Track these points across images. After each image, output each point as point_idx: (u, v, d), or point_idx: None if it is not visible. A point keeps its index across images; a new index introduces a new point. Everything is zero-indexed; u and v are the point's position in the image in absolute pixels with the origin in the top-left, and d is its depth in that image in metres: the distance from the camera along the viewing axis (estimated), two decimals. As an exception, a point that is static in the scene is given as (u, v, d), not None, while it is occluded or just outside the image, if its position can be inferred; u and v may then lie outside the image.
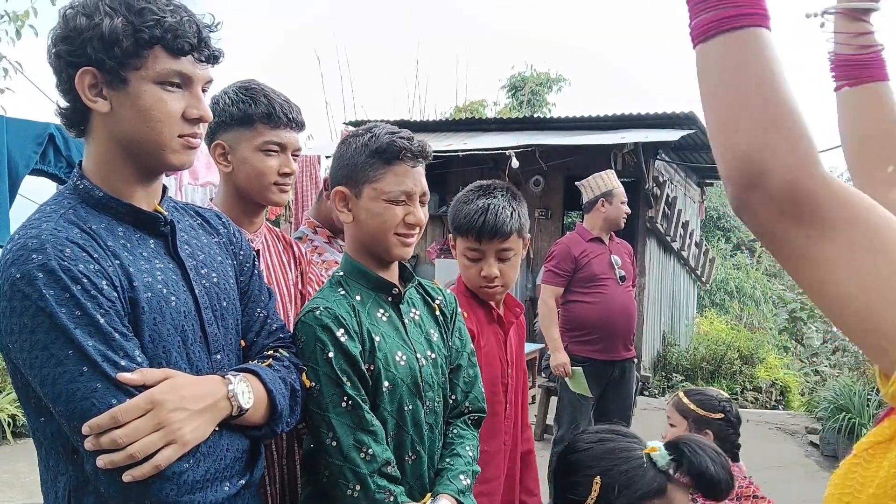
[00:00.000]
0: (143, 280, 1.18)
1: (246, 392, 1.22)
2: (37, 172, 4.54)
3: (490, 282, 1.98)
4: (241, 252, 1.46)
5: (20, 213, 4.37)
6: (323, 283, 2.06)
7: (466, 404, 1.70)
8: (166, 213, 1.29)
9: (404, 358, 1.54)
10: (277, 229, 2.00)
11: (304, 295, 1.96)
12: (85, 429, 1.05)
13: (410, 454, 1.54)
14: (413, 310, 1.65)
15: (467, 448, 1.64)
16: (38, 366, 1.06)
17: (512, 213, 1.97)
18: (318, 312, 1.46)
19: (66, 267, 1.08)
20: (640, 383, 6.54)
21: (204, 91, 1.26)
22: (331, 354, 1.43)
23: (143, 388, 1.09)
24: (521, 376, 2.14)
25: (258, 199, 1.78)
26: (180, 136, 1.22)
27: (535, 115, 10.70)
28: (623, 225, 4.40)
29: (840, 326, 0.70)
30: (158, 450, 1.07)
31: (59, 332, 1.06)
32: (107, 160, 1.22)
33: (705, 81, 0.76)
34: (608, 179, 4.38)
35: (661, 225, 8.94)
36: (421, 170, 1.59)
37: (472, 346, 1.77)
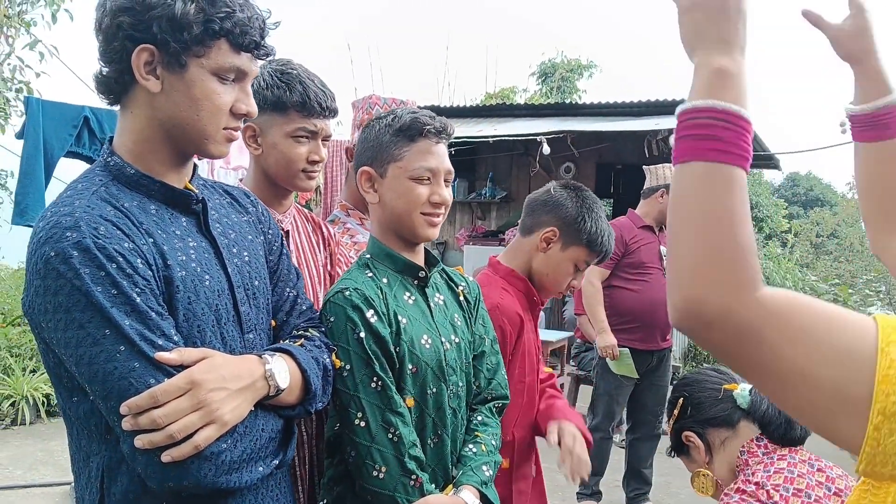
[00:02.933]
0: (178, 258, 1.17)
1: (283, 372, 1.21)
2: (71, 155, 4.61)
3: (569, 291, 2.08)
4: (270, 231, 1.45)
5: (56, 196, 4.42)
6: (351, 264, 2.06)
7: (490, 390, 1.70)
8: (197, 192, 1.27)
9: (430, 341, 1.53)
10: (307, 210, 1.99)
11: (333, 276, 1.95)
12: (123, 409, 1.04)
13: (433, 437, 1.53)
14: (438, 294, 1.65)
15: (490, 436, 1.64)
16: (74, 345, 1.05)
17: None
18: (347, 293, 1.46)
19: (101, 245, 1.06)
20: (671, 373, 6.44)
21: None
22: (362, 334, 1.43)
23: (180, 367, 1.08)
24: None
25: (285, 184, 1.77)
26: (224, 129, 1.22)
27: (567, 101, 10.59)
28: None
29: (806, 422, 0.79)
30: (198, 430, 1.06)
31: (96, 311, 1.04)
32: (144, 138, 1.20)
33: (679, 205, 0.81)
34: (663, 172, 4.28)
35: (694, 213, 8.79)
36: (444, 148, 1.59)
37: (494, 333, 1.77)
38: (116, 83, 1.19)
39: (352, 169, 2.23)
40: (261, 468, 1.17)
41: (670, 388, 5.61)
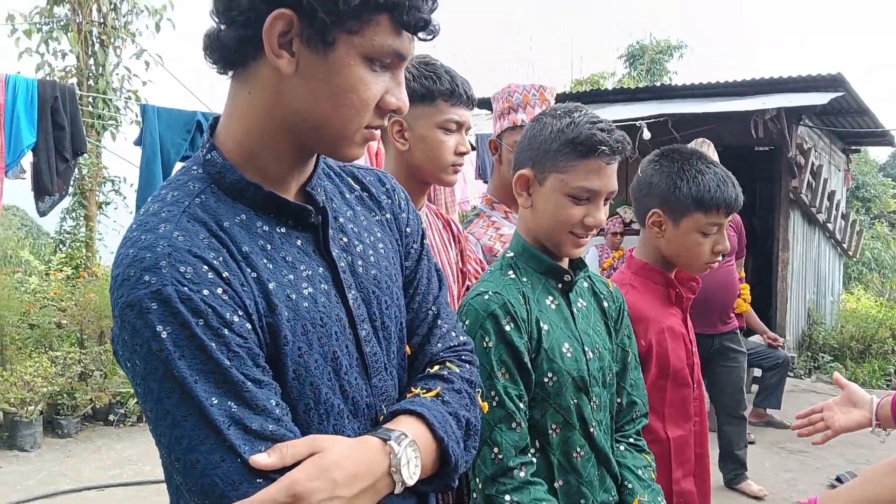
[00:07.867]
0: (286, 297, 0.96)
1: (413, 460, 0.97)
2: (186, 159, 4.78)
3: (720, 255, 1.83)
4: (408, 227, 1.19)
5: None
6: (480, 259, 2.01)
7: (635, 411, 1.63)
8: (319, 199, 1.03)
9: (571, 350, 1.47)
10: (434, 207, 1.96)
11: (465, 273, 1.91)
12: None
13: (578, 450, 1.47)
14: (581, 300, 1.57)
15: (650, 472, 1.60)
16: (153, 419, 0.88)
17: None
18: (486, 297, 1.42)
19: (185, 295, 0.86)
20: (787, 364, 6.14)
21: None
22: (490, 343, 1.38)
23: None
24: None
25: (431, 178, 1.74)
26: (367, 127, 0.97)
27: (659, 84, 10.27)
28: None
29: None
30: None
31: (176, 385, 0.85)
32: (261, 131, 0.96)
33: None
34: (703, 150, 4.25)
35: (806, 196, 8.36)
36: (615, 167, 1.48)
37: (636, 347, 1.67)
38: (235, 52, 0.93)
39: (498, 162, 2.20)
40: None
41: (784, 380, 5.58)
